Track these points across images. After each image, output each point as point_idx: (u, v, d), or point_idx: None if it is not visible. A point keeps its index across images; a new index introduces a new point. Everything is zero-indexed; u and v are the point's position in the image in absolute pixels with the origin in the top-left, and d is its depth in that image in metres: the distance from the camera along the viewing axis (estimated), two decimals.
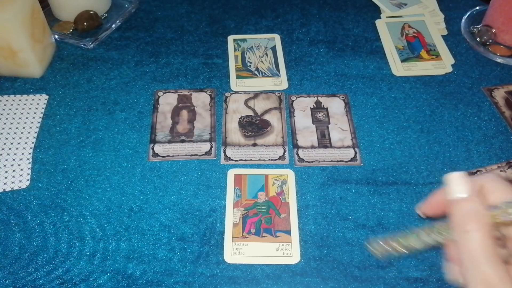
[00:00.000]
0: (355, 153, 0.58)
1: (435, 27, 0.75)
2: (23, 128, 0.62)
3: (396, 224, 0.52)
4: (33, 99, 0.65)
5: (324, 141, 0.60)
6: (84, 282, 0.48)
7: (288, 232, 0.51)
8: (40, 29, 0.67)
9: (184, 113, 0.64)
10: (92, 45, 0.73)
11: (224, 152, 0.59)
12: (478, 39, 0.73)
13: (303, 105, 0.64)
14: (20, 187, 0.55)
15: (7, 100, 0.65)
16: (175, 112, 0.64)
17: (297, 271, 0.48)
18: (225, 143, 0.60)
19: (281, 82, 0.67)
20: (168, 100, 0.65)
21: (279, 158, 0.58)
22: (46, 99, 0.65)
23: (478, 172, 0.55)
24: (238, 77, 0.68)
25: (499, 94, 0.65)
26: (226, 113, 0.64)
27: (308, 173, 0.57)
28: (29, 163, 0.58)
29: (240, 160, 0.58)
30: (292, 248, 0.50)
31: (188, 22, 0.78)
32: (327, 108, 0.64)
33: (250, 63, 0.70)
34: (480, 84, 0.67)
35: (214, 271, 0.48)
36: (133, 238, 0.51)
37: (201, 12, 0.79)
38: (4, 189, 0.55)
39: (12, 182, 0.56)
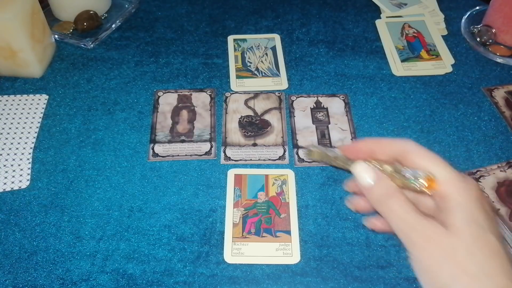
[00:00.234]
0: None
1: (435, 27, 0.75)
2: (23, 128, 0.62)
3: None
4: (33, 99, 0.65)
5: (324, 141, 0.60)
6: (84, 282, 0.48)
7: (288, 232, 0.51)
8: (40, 29, 0.67)
9: (184, 113, 0.64)
10: (92, 45, 0.73)
11: (224, 152, 0.59)
12: (478, 39, 0.73)
13: (303, 105, 0.64)
14: (20, 187, 0.55)
15: (7, 100, 0.65)
16: (175, 112, 0.64)
17: (297, 271, 0.48)
18: (225, 143, 0.60)
19: (281, 82, 0.67)
20: (168, 100, 0.65)
21: (279, 158, 0.58)
22: (46, 99, 0.65)
23: (478, 172, 0.55)
24: (238, 77, 0.68)
25: (499, 94, 0.65)
26: (226, 113, 0.64)
27: (308, 173, 0.57)
28: (29, 163, 0.58)
29: (240, 160, 0.58)
30: (292, 248, 0.50)
31: (188, 22, 0.78)
32: (327, 108, 0.64)
33: (250, 63, 0.70)
34: (480, 84, 0.67)
35: (214, 271, 0.48)
36: (133, 238, 0.51)
37: (201, 12, 0.79)
38: (4, 189, 0.55)
39: (12, 182, 0.56)
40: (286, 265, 0.49)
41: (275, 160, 0.58)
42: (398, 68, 0.69)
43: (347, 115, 0.63)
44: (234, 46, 0.73)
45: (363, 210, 0.39)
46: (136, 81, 0.68)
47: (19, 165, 0.58)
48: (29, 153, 0.59)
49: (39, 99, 0.65)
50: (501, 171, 0.56)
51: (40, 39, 0.67)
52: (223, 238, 0.51)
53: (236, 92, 0.66)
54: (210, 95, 0.66)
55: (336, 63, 0.70)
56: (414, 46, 0.73)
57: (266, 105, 0.64)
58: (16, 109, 0.64)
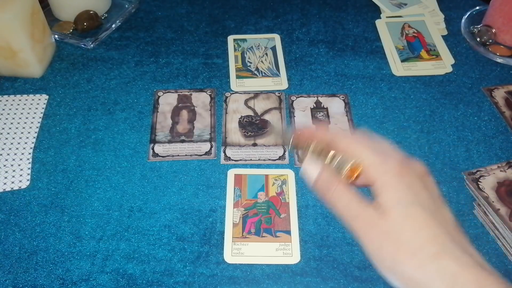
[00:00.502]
0: None
1: (435, 27, 0.75)
2: (23, 128, 0.62)
3: None
4: (33, 99, 0.65)
5: None
6: (84, 282, 0.48)
7: (288, 232, 0.51)
8: (40, 29, 0.67)
9: (184, 113, 0.64)
10: (92, 45, 0.73)
11: (224, 152, 0.59)
12: (478, 39, 0.73)
13: (303, 105, 0.64)
14: (20, 187, 0.55)
15: (7, 100, 0.65)
16: (175, 112, 0.64)
17: (297, 271, 0.48)
18: (225, 143, 0.60)
19: (281, 82, 0.67)
20: (168, 100, 0.65)
21: (279, 158, 0.58)
22: (46, 99, 0.65)
23: (478, 172, 0.55)
24: (238, 77, 0.68)
25: (499, 94, 0.65)
26: (226, 113, 0.64)
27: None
28: (29, 163, 0.58)
29: (240, 160, 0.58)
30: (292, 248, 0.50)
31: (188, 22, 0.78)
32: (327, 108, 0.64)
33: (250, 63, 0.70)
34: (480, 84, 0.67)
35: (214, 271, 0.48)
36: (133, 238, 0.51)
37: (201, 12, 0.79)
38: (4, 189, 0.55)
39: (12, 182, 0.56)
40: (286, 265, 0.49)
41: (275, 160, 0.58)
42: (398, 68, 0.69)
43: (347, 115, 0.63)
44: (234, 46, 0.73)
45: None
46: (136, 81, 0.68)
47: (19, 165, 0.58)
48: (29, 153, 0.59)
49: (39, 99, 0.65)
50: (501, 171, 0.56)
51: (40, 39, 0.67)
52: (223, 238, 0.51)
53: (236, 92, 0.66)
54: (210, 95, 0.66)
55: (336, 63, 0.70)
56: (414, 46, 0.73)
57: (266, 105, 0.64)
58: (16, 109, 0.64)
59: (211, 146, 0.59)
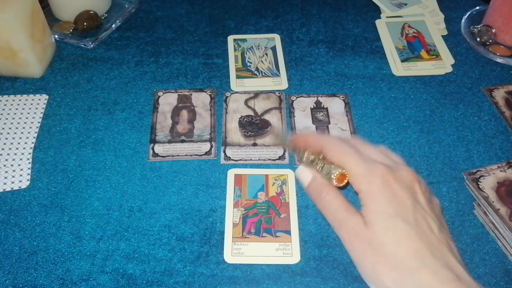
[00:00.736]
0: None
1: (435, 27, 0.75)
2: (23, 128, 0.62)
3: None
4: (33, 99, 0.65)
5: None
6: (84, 282, 0.48)
7: (288, 232, 0.51)
8: (40, 29, 0.67)
9: (184, 113, 0.64)
10: (92, 45, 0.73)
11: (224, 152, 0.59)
12: (478, 39, 0.73)
13: (303, 105, 0.64)
14: (20, 187, 0.55)
15: (7, 100, 0.65)
16: (175, 112, 0.64)
17: (297, 271, 0.48)
18: (225, 143, 0.60)
19: (281, 82, 0.67)
20: (168, 100, 0.65)
21: (279, 158, 0.58)
22: (46, 99, 0.65)
23: (478, 172, 0.55)
24: (238, 77, 0.68)
25: (499, 94, 0.65)
26: (226, 113, 0.64)
27: None
28: (29, 163, 0.58)
29: (240, 160, 0.58)
30: (292, 248, 0.50)
31: (188, 22, 0.78)
32: (327, 108, 0.64)
33: (250, 63, 0.70)
34: (480, 84, 0.67)
35: (214, 271, 0.48)
36: (133, 238, 0.51)
37: (201, 12, 0.79)
38: (4, 189, 0.55)
39: (12, 182, 0.56)
40: (286, 265, 0.49)
41: (275, 160, 0.58)
42: (398, 68, 0.69)
43: (347, 115, 0.63)
44: (234, 46, 0.73)
45: None
46: (136, 81, 0.68)
47: (19, 165, 0.58)
48: (29, 153, 0.59)
49: (39, 99, 0.65)
50: (501, 171, 0.56)
51: (40, 39, 0.67)
52: (223, 238, 0.51)
53: (236, 92, 0.66)
54: (210, 95, 0.66)
55: (336, 63, 0.70)
56: (414, 46, 0.73)
57: (266, 105, 0.64)
58: (16, 109, 0.64)
59: (211, 146, 0.59)
